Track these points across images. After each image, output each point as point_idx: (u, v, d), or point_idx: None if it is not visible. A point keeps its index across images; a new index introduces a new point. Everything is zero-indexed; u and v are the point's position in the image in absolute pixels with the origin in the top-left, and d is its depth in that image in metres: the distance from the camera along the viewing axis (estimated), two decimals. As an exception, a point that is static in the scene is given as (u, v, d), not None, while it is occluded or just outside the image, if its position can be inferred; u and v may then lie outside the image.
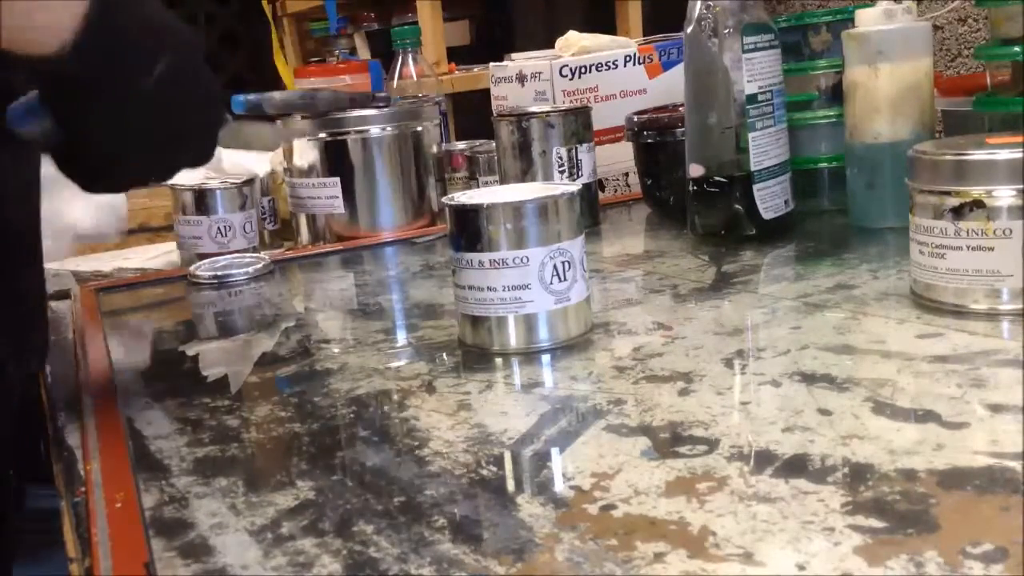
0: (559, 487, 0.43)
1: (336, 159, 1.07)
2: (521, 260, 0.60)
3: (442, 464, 0.47)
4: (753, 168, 0.81)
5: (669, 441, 0.46)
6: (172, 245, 1.12)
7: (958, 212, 0.57)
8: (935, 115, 0.85)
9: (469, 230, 0.60)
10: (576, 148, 0.97)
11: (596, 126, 1.02)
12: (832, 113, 0.92)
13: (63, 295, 1.00)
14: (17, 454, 0.67)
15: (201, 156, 0.59)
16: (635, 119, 1.01)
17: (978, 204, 0.57)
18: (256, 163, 1.14)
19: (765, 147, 0.82)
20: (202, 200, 1.05)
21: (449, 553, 0.38)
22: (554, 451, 0.47)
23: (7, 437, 0.64)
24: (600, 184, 1.11)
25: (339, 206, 1.07)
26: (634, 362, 0.58)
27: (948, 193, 0.58)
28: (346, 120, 1.06)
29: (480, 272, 0.60)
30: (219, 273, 0.94)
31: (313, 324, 0.78)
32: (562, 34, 1.21)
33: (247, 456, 0.52)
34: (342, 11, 2.29)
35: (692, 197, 0.85)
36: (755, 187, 0.82)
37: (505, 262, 0.60)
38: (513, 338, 0.61)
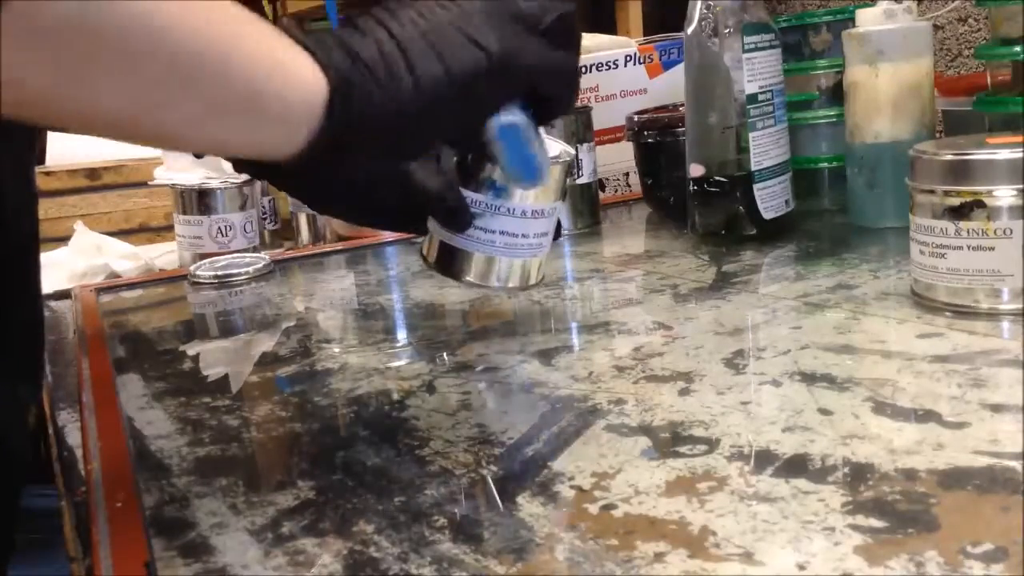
0: (559, 487, 0.43)
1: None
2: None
3: (442, 464, 0.47)
4: (754, 168, 0.81)
5: (669, 441, 0.46)
6: (173, 245, 1.12)
7: (958, 212, 0.57)
8: (935, 115, 0.85)
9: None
10: (576, 148, 0.97)
11: (596, 126, 1.02)
12: (832, 113, 0.92)
13: (63, 295, 1.00)
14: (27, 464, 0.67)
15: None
16: (635, 119, 1.01)
17: (978, 204, 0.57)
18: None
19: (766, 147, 0.82)
20: (203, 200, 1.05)
21: (449, 553, 0.38)
22: (554, 451, 0.47)
23: (25, 456, 0.64)
24: (600, 184, 1.11)
25: (339, 206, 1.07)
26: (634, 362, 0.58)
27: (948, 193, 0.58)
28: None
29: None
30: (219, 273, 0.94)
31: (313, 324, 0.78)
32: (562, 34, 1.21)
33: (247, 456, 0.52)
34: (343, 11, 2.29)
35: (692, 197, 0.85)
36: (755, 187, 0.82)
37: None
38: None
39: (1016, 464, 0.40)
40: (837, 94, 0.89)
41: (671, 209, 0.97)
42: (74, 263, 1.08)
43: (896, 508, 0.38)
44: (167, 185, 1.10)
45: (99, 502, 0.47)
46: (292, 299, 0.87)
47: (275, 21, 2.60)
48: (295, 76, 0.43)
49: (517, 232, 0.61)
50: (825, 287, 0.68)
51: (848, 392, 0.50)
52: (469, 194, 0.59)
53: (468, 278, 0.62)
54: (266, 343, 0.72)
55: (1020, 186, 0.56)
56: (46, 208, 1.27)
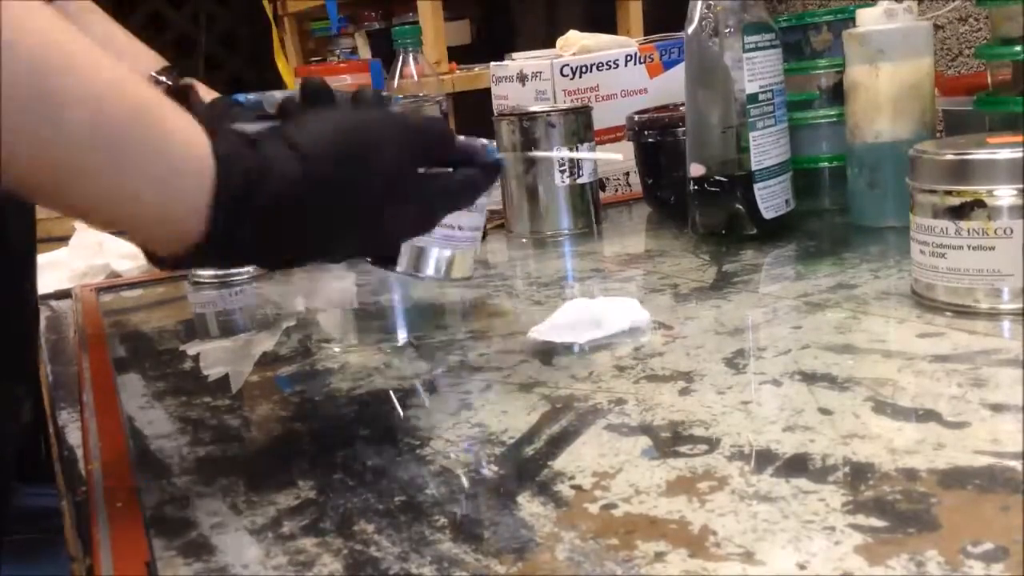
0: (560, 486, 0.43)
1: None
2: None
3: (443, 463, 0.47)
4: (754, 167, 0.81)
5: (670, 440, 0.46)
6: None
7: (959, 211, 0.57)
8: (936, 114, 0.84)
9: None
10: (577, 148, 0.97)
11: (597, 125, 1.02)
12: (833, 112, 0.92)
13: (63, 295, 1.00)
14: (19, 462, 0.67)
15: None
16: (636, 119, 1.01)
17: (979, 203, 0.57)
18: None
19: (766, 147, 0.82)
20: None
21: (450, 552, 0.38)
22: (554, 450, 0.47)
23: (13, 453, 0.64)
24: (601, 184, 1.11)
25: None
26: (635, 361, 0.58)
27: (949, 192, 0.58)
28: (347, 120, 1.06)
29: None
30: (220, 272, 0.94)
31: (314, 323, 0.78)
32: (563, 33, 1.21)
33: (248, 455, 0.52)
34: (343, 11, 2.29)
35: (693, 196, 0.85)
36: (756, 186, 0.82)
37: None
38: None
39: (1016, 464, 0.40)
40: (837, 94, 0.89)
41: (671, 209, 0.97)
42: (74, 262, 1.08)
43: (896, 508, 0.38)
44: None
45: (99, 502, 0.47)
46: (292, 298, 0.87)
47: (276, 20, 2.59)
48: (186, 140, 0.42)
49: (453, 224, 0.62)
50: (825, 287, 0.68)
51: (848, 392, 0.50)
52: None
53: (401, 268, 0.63)
54: (266, 343, 0.72)
55: (1020, 186, 0.56)
56: (43, 209, 1.26)
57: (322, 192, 0.45)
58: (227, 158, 0.42)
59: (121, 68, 0.40)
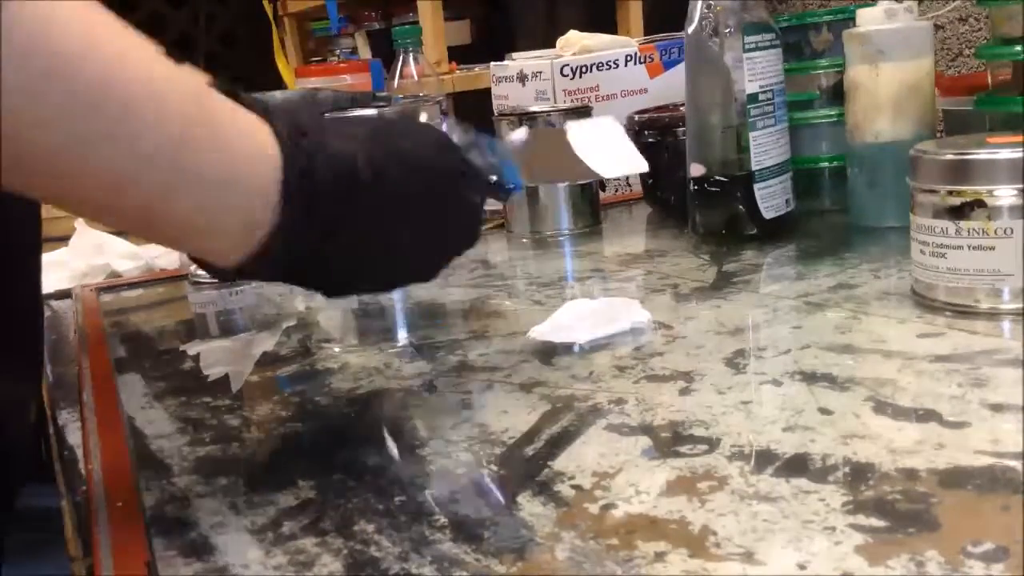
0: (560, 486, 0.43)
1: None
2: None
3: (443, 463, 0.47)
4: (754, 167, 0.81)
5: (670, 440, 0.46)
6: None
7: (959, 211, 0.57)
8: (936, 114, 0.84)
9: None
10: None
11: (597, 125, 1.01)
12: (833, 112, 0.92)
13: (63, 295, 1.00)
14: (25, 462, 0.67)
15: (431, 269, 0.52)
16: (636, 118, 1.01)
17: (979, 203, 0.57)
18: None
19: (766, 146, 0.82)
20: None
21: (450, 552, 0.38)
22: (554, 450, 0.47)
23: (24, 453, 0.64)
24: (601, 184, 1.11)
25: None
26: (635, 361, 0.58)
27: (949, 192, 0.58)
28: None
29: None
30: (220, 273, 0.93)
31: (314, 323, 0.78)
32: (563, 33, 1.21)
33: (248, 455, 0.52)
34: (343, 11, 2.29)
35: (693, 196, 0.85)
36: (756, 186, 0.82)
37: None
38: None
39: (1016, 464, 0.40)
40: (837, 94, 0.89)
41: (672, 209, 0.97)
42: (75, 263, 1.08)
43: (897, 508, 0.38)
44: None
45: (100, 502, 0.47)
46: (292, 298, 0.87)
47: (276, 20, 2.59)
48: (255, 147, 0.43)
49: None
50: (826, 287, 0.68)
51: (849, 392, 0.50)
52: None
53: None
54: (266, 343, 0.72)
55: (1020, 186, 0.56)
56: (47, 207, 1.26)
57: (379, 179, 0.45)
58: (288, 136, 0.43)
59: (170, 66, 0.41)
